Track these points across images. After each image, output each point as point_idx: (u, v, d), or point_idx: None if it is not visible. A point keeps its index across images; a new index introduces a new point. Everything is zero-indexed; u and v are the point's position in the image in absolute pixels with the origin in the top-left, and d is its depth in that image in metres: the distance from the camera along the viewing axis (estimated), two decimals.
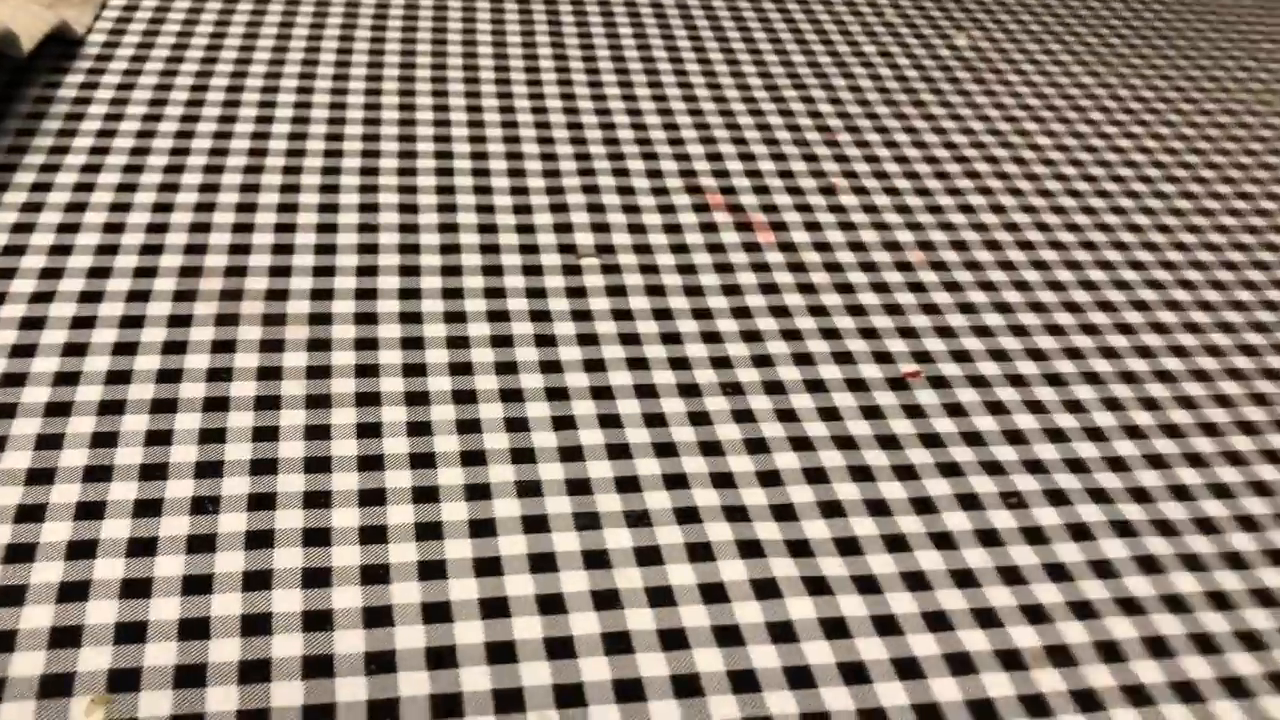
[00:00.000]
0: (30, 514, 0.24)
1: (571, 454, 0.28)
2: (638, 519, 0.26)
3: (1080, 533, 0.27)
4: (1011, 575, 0.26)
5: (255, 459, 0.26)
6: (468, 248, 0.34)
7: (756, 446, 0.29)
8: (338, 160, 0.37)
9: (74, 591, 0.23)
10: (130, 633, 0.22)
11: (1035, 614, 0.25)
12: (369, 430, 0.28)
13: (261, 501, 0.25)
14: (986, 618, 0.25)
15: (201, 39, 0.42)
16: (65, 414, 0.27)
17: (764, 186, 0.39)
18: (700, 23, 0.48)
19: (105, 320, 0.30)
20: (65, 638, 0.22)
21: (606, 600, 0.24)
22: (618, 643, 0.24)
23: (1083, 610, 0.26)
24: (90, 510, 0.25)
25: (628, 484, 0.27)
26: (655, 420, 0.29)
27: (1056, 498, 0.28)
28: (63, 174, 0.34)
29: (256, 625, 0.23)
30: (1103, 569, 0.27)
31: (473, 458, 0.27)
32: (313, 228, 0.34)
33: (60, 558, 0.24)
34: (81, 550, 0.24)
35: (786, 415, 0.30)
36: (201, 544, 0.24)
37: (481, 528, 0.25)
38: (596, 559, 0.25)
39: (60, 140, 0.36)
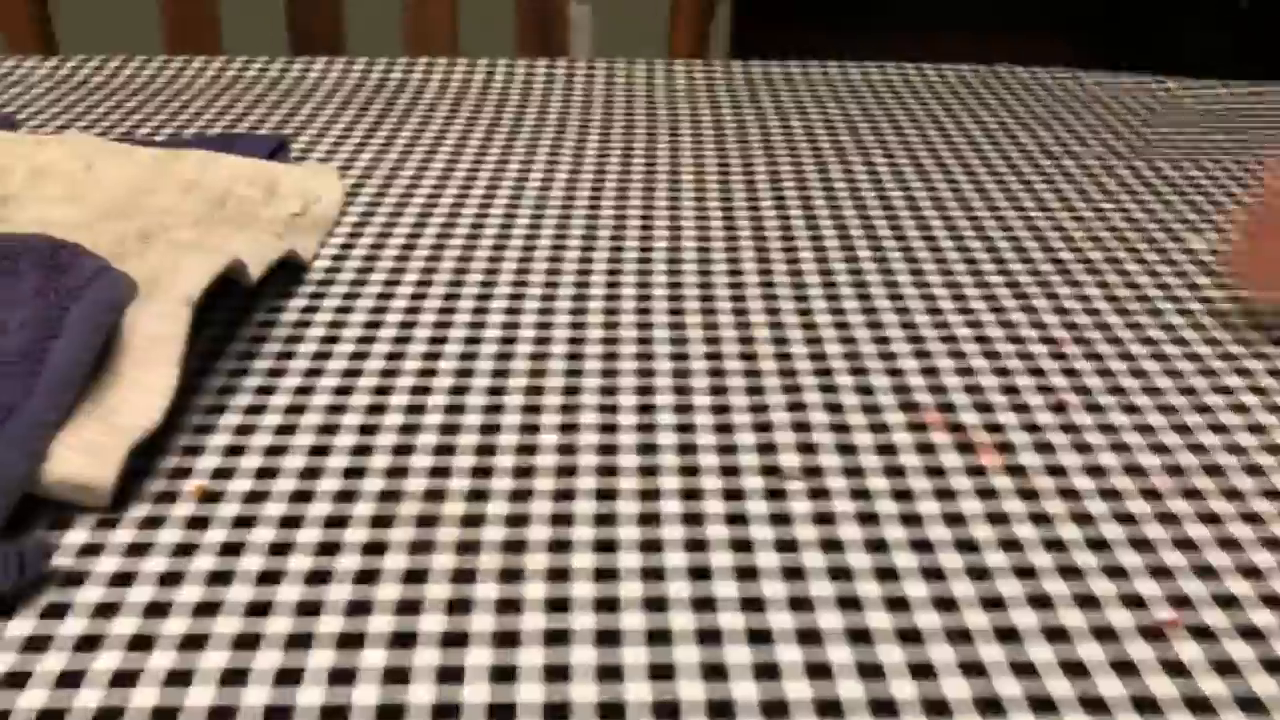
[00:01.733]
0: None
1: (776, 709, 0.25)
2: None
3: None
4: None
5: (437, 703, 0.25)
6: (666, 469, 0.32)
7: (992, 708, 0.25)
8: (540, 380, 0.36)
9: None
10: None
11: None
12: (556, 674, 0.26)
13: None
14: None
15: (416, 266, 0.44)
16: (265, 614, 0.26)
17: (986, 403, 0.36)
18: (906, 223, 0.47)
19: (302, 547, 0.29)
20: None
21: None
22: None
23: None
24: None
25: None
26: (871, 671, 0.26)
27: None
28: (277, 396, 0.35)
29: None
30: None
31: (665, 709, 0.25)
32: (512, 449, 0.33)
33: None
34: None
35: (1024, 670, 0.26)
36: None
37: None
38: None
39: (278, 363, 0.37)
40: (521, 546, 0.29)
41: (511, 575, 0.28)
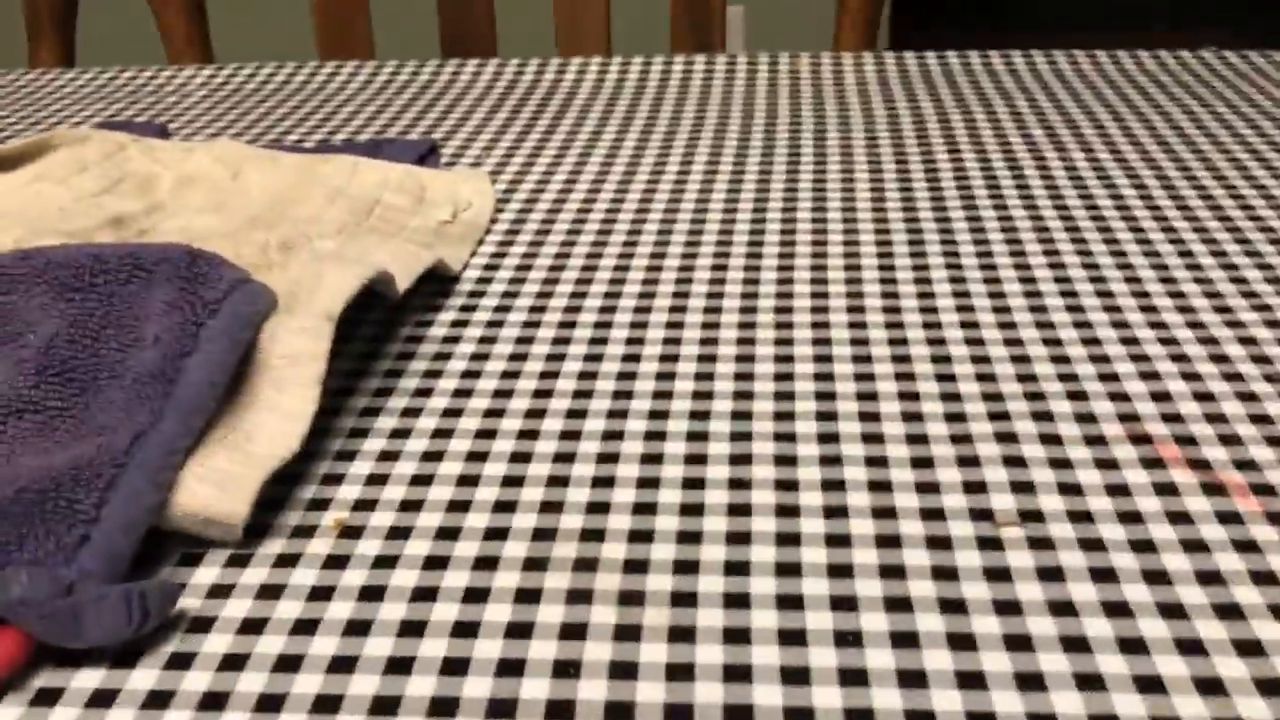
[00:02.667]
0: None
1: None
2: None
3: None
4: None
5: None
6: (855, 510, 0.28)
7: None
8: (706, 403, 0.33)
9: None
10: None
11: None
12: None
13: None
14: None
15: (570, 276, 0.40)
16: (406, 671, 0.23)
17: (1233, 435, 0.31)
18: (1121, 232, 0.41)
19: (447, 593, 0.26)
20: None
21: None
22: None
23: None
24: None
25: None
26: None
27: None
28: (423, 419, 0.32)
29: None
30: None
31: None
32: (677, 483, 0.29)
33: None
34: None
35: None
36: None
37: None
38: None
39: (425, 382, 0.34)
40: (692, 600, 0.25)
41: (680, 634, 0.25)
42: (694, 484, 0.29)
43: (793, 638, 0.24)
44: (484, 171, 0.47)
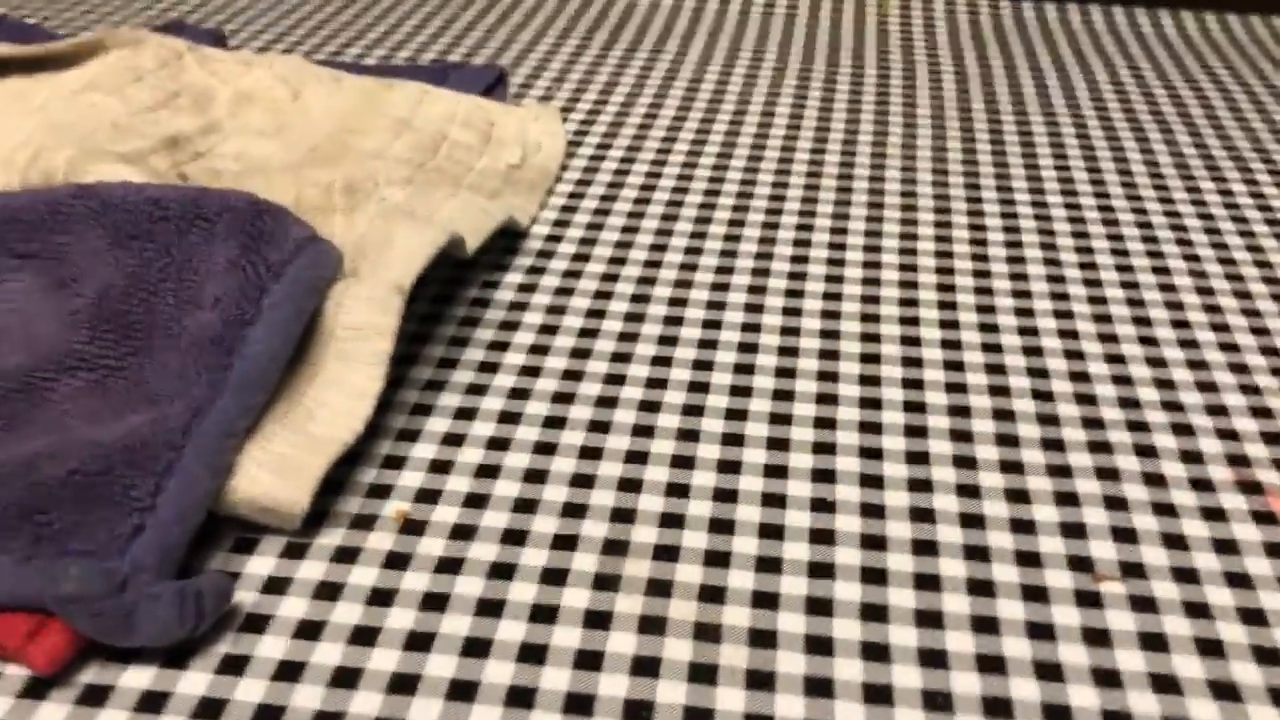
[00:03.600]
0: None
1: None
2: None
3: None
4: None
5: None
6: (947, 547, 0.26)
7: None
8: (790, 382, 0.31)
9: None
10: None
11: None
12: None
13: None
14: None
15: (645, 240, 0.38)
16: (482, 654, 0.22)
17: None
18: (1238, 251, 0.39)
19: (513, 609, 0.25)
20: None
21: None
22: None
23: None
24: None
25: None
26: None
27: None
28: (489, 398, 0.31)
29: None
30: None
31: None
32: (758, 470, 0.28)
33: None
34: None
35: None
36: None
37: None
38: None
39: (491, 355, 0.32)
40: (774, 602, 0.24)
41: (762, 638, 0.23)
42: (772, 471, 0.28)
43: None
44: (555, 109, 0.45)
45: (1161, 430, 0.30)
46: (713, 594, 0.25)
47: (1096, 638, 0.24)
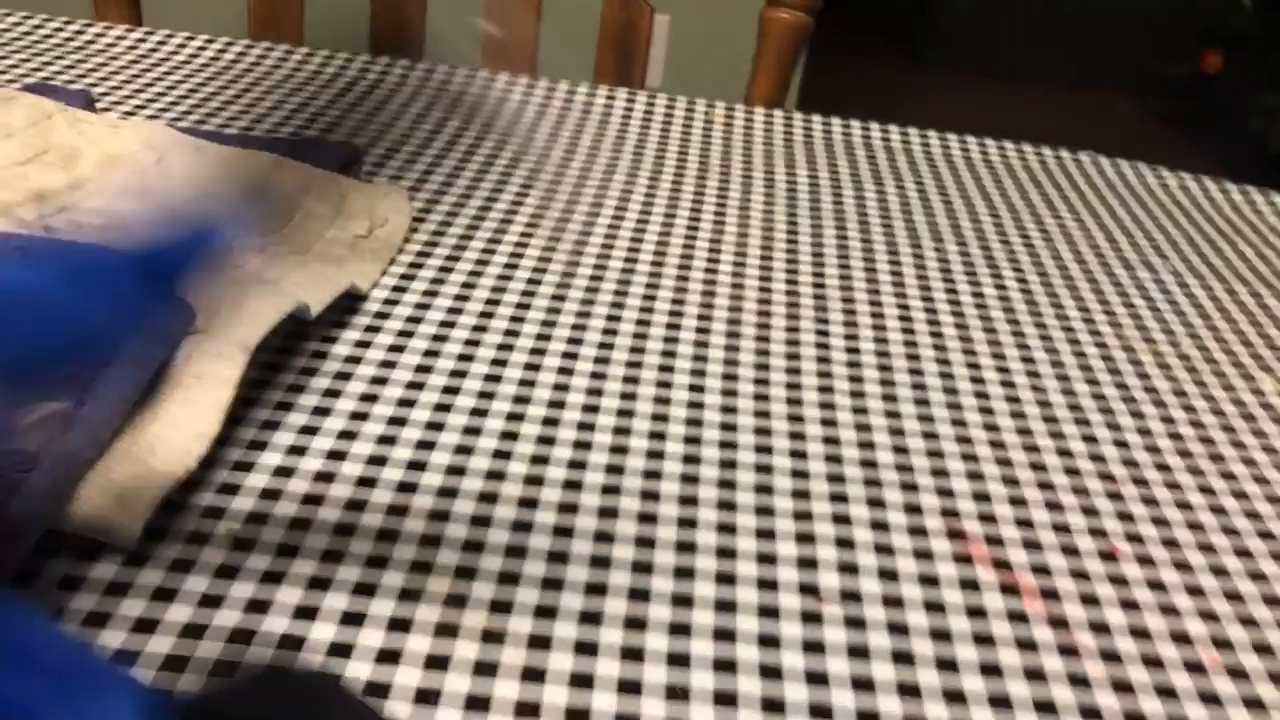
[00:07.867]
0: None
1: None
2: None
3: None
4: None
5: None
6: (702, 573, 0.32)
7: None
8: (620, 452, 0.36)
9: None
10: None
11: None
12: None
13: None
14: None
15: (479, 300, 0.43)
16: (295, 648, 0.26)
17: (1034, 541, 0.35)
18: (980, 348, 0.46)
19: (326, 614, 0.29)
20: None
21: None
22: None
23: None
24: None
25: None
26: None
27: None
28: (319, 439, 0.35)
29: None
30: None
31: None
32: (589, 534, 0.33)
33: None
34: None
35: None
36: None
37: None
38: None
39: (325, 401, 0.37)
40: (593, 650, 0.29)
41: (582, 680, 0.28)
42: (601, 537, 0.32)
43: None
44: (403, 188, 0.50)
45: (892, 488, 0.36)
46: (546, 614, 0.29)
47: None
